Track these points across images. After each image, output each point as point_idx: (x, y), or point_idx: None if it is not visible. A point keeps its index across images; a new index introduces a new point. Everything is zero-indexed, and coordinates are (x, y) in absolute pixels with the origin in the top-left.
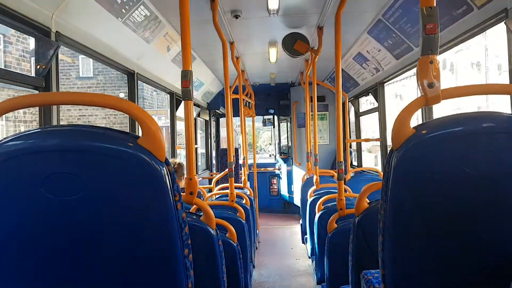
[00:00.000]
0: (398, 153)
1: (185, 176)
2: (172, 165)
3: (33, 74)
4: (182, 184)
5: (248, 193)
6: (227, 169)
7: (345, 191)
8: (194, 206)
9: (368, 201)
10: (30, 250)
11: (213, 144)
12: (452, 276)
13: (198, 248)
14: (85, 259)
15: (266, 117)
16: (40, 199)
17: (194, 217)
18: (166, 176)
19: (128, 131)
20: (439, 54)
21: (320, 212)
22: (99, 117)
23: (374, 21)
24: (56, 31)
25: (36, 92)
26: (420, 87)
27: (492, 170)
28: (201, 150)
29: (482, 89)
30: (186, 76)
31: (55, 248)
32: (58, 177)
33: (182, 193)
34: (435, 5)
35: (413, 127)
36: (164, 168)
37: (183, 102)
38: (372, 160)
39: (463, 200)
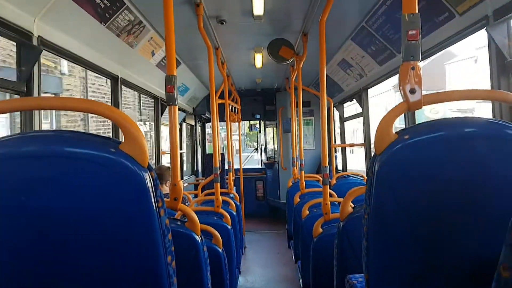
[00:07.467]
0: (381, 158)
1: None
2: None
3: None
4: (167, 189)
5: (234, 198)
6: (212, 175)
7: (330, 195)
8: (179, 212)
9: (353, 205)
10: (9, 258)
11: (199, 149)
12: (435, 280)
13: (182, 254)
14: (66, 267)
15: (252, 122)
16: (19, 205)
17: (179, 223)
18: (149, 182)
19: (111, 136)
20: (421, 60)
21: (305, 217)
22: None
23: (357, 28)
24: (39, 36)
25: (18, 97)
26: (402, 93)
27: (473, 174)
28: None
29: (463, 95)
30: (170, 81)
31: (36, 255)
32: (38, 183)
33: (166, 199)
34: (417, 11)
35: (396, 132)
36: (146, 174)
37: (167, 107)
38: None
39: (446, 204)
